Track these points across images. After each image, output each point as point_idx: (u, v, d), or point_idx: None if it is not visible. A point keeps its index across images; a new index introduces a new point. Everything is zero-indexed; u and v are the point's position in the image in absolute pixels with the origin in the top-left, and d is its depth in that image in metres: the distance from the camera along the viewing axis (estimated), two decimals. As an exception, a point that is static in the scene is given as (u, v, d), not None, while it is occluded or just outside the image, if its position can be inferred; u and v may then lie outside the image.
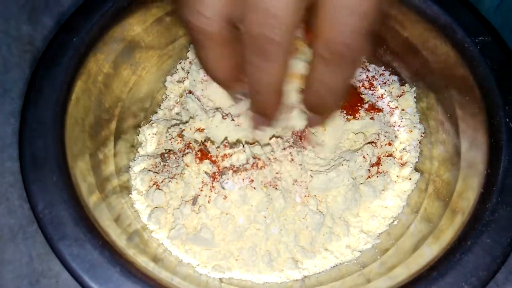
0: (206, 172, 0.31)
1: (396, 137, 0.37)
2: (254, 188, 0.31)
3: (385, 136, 0.37)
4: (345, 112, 0.37)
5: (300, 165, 0.33)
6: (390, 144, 0.36)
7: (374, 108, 0.38)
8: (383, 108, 0.39)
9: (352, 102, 0.38)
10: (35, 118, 0.29)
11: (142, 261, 0.27)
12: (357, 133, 0.36)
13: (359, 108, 0.37)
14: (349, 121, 0.36)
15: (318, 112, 0.29)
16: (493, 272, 0.26)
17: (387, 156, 0.36)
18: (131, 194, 0.33)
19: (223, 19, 0.24)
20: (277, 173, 0.32)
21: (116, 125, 0.35)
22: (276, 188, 0.31)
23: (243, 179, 0.31)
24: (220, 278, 0.30)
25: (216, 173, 0.32)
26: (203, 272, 0.31)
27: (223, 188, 0.31)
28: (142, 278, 0.25)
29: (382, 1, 0.23)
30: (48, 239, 0.25)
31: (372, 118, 0.37)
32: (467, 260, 0.26)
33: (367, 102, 0.38)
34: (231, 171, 0.31)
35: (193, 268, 0.31)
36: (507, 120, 0.31)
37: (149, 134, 0.36)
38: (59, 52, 0.32)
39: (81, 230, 0.26)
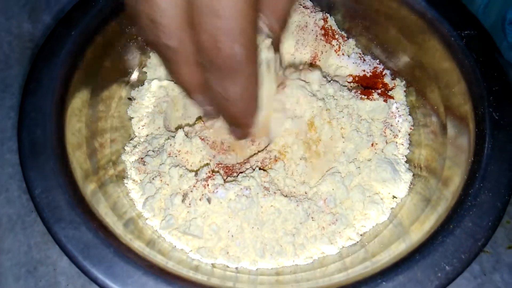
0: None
1: (399, 131, 0.38)
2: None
3: (391, 130, 0.37)
4: (359, 92, 0.38)
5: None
6: (395, 136, 0.37)
7: (386, 94, 0.39)
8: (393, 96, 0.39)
9: (371, 83, 0.40)
10: (34, 108, 0.30)
11: (138, 246, 0.28)
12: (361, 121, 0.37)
13: (373, 91, 0.38)
14: (362, 100, 0.37)
15: (231, 123, 0.28)
16: (475, 254, 0.26)
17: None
18: (126, 183, 0.34)
19: (182, 32, 0.24)
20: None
21: (113, 115, 0.36)
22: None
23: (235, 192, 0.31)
24: (212, 264, 0.31)
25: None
26: (196, 258, 0.31)
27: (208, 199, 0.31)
28: (135, 259, 0.26)
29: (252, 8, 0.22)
30: (44, 222, 0.26)
31: (385, 101, 0.37)
32: (449, 243, 0.27)
33: (380, 89, 0.39)
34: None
35: (186, 254, 0.32)
36: (491, 110, 0.32)
37: (139, 128, 0.37)
38: (57, 44, 0.33)
39: (76, 213, 0.27)
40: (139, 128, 0.37)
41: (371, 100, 0.37)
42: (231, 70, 0.24)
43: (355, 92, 0.37)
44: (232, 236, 0.31)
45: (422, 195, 0.33)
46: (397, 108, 0.38)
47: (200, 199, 0.31)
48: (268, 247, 0.31)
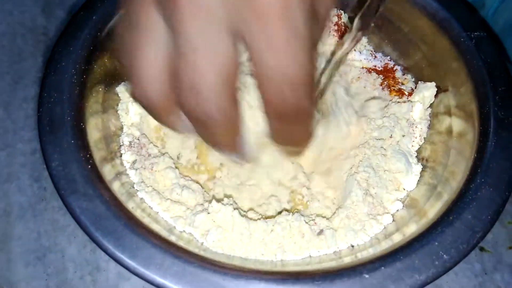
0: None
1: (416, 126, 0.38)
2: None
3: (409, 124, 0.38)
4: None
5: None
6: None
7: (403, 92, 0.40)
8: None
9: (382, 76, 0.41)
10: (54, 86, 0.32)
11: (148, 221, 0.29)
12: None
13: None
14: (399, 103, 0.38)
15: (286, 153, 0.29)
16: (473, 245, 0.27)
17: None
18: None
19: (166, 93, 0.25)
20: None
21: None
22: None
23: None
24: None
25: None
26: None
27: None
28: (144, 232, 0.27)
29: (306, 64, 0.23)
30: (60, 194, 0.28)
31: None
32: (448, 233, 0.28)
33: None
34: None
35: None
36: (496, 109, 0.32)
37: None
38: (78, 27, 0.34)
39: (90, 186, 0.28)
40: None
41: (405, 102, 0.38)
42: (298, 118, 0.24)
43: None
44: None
45: (427, 187, 0.34)
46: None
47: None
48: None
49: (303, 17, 0.22)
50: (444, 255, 0.27)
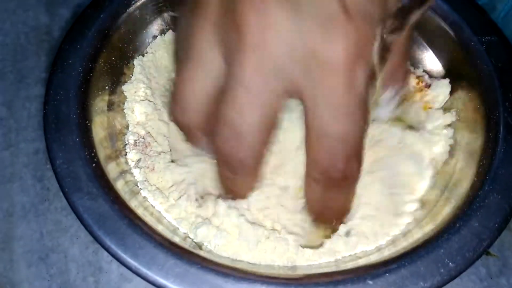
0: None
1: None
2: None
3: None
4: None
5: None
6: None
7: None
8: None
9: None
10: (60, 84, 0.32)
11: (150, 220, 0.29)
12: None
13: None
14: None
15: (322, 224, 0.29)
16: (479, 253, 0.27)
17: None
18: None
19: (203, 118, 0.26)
20: None
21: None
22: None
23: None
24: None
25: None
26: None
27: None
28: (146, 232, 0.27)
29: (362, 124, 0.23)
30: (64, 192, 0.27)
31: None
32: (454, 241, 0.27)
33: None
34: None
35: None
36: (506, 115, 0.32)
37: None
38: (85, 26, 0.34)
39: (94, 185, 0.28)
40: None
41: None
42: (346, 184, 0.25)
43: None
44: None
45: (436, 192, 0.33)
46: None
47: None
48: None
49: (365, 78, 0.22)
50: (450, 263, 0.26)
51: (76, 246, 0.35)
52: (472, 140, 0.33)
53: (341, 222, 0.30)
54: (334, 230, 0.31)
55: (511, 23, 0.41)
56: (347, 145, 0.23)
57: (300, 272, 0.28)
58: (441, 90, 0.37)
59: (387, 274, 0.26)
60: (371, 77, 0.23)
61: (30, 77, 0.43)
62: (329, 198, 0.26)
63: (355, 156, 0.24)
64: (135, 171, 0.33)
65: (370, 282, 0.25)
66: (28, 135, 0.40)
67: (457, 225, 0.28)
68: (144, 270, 0.26)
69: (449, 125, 0.36)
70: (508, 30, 0.41)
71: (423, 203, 0.34)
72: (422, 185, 0.35)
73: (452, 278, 0.26)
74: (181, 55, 0.26)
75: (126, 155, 0.34)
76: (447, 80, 0.37)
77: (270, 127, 0.24)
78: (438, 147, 0.35)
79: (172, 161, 0.34)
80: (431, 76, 0.39)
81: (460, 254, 0.27)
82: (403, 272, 0.26)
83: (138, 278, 0.33)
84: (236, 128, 0.23)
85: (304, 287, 0.25)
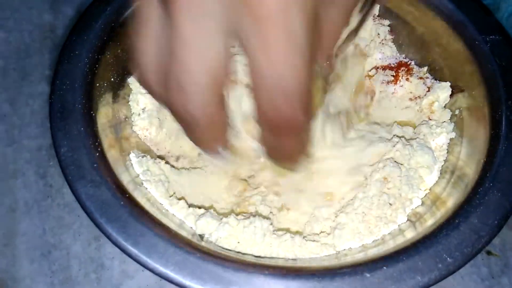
0: None
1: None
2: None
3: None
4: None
5: None
6: None
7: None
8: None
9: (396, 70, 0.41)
10: (67, 75, 0.32)
11: (152, 210, 0.29)
12: None
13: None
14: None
15: (281, 165, 0.28)
16: (478, 249, 0.27)
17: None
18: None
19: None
20: None
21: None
22: None
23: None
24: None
25: None
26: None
27: None
28: (148, 221, 0.27)
29: (302, 71, 0.22)
30: (67, 180, 0.28)
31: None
32: (453, 236, 0.27)
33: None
34: None
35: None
36: (508, 113, 0.32)
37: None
38: (93, 18, 0.35)
39: (97, 173, 0.28)
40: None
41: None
42: (291, 131, 0.24)
43: None
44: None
45: (438, 188, 0.34)
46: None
47: None
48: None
49: (302, 24, 0.21)
50: (448, 258, 0.26)
51: (79, 242, 0.36)
52: (474, 138, 0.33)
53: (296, 164, 0.28)
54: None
55: None
56: (286, 93, 0.22)
57: (301, 265, 0.29)
58: (441, 93, 0.37)
59: (384, 268, 0.26)
60: (314, 23, 0.22)
61: (34, 75, 0.43)
62: (279, 143, 0.25)
63: (298, 103, 0.22)
64: (137, 161, 0.33)
65: (368, 274, 0.26)
66: (31, 131, 0.40)
67: (457, 221, 0.28)
68: (144, 258, 0.26)
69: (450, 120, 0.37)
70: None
71: (426, 199, 0.34)
72: (432, 178, 0.35)
73: (450, 273, 0.26)
74: (133, 28, 0.25)
75: (129, 145, 0.34)
76: (447, 84, 0.37)
77: (218, 75, 0.23)
78: (441, 138, 0.36)
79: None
80: (435, 78, 0.39)
81: (459, 250, 0.27)
82: (400, 266, 0.26)
83: (140, 275, 0.34)
84: (184, 85, 0.22)
85: (301, 277, 0.26)
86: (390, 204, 0.32)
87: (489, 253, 0.36)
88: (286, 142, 0.25)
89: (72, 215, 0.37)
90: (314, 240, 0.32)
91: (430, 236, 0.27)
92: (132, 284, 0.34)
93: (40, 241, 0.36)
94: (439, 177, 0.34)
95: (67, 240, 0.36)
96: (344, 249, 0.31)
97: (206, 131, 0.24)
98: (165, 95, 0.24)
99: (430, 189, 0.34)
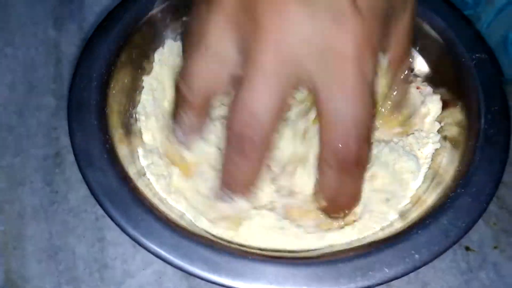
0: None
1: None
2: None
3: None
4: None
5: None
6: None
7: None
8: None
9: None
10: (85, 74, 0.36)
11: (148, 195, 0.32)
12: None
13: None
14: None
15: (332, 214, 0.32)
16: (445, 247, 0.29)
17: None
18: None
19: (204, 98, 0.29)
20: None
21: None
22: None
23: None
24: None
25: None
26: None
27: None
28: (148, 207, 0.30)
29: (371, 110, 0.26)
30: (79, 166, 0.31)
31: None
32: (422, 235, 0.30)
33: None
34: None
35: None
36: (486, 127, 0.34)
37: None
38: (112, 23, 0.38)
39: (106, 162, 0.31)
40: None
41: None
42: (359, 167, 0.27)
43: None
44: None
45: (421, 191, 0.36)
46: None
47: None
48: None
49: (373, 66, 0.25)
50: (416, 254, 0.29)
51: (83, 244, 0.38)
52: (454, 148, 0.36)
53: (348, 213, 0.32)
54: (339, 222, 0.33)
55: (494, 33, 0.44)
56: (358, 128, 0.25)
57: (281, 254, 0.31)
58: (432, 105, 0.39)
59: (355, 260, 0.29)
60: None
61: (40, 87, 0.45)
62: (342, 183, 0.28)
63: (366, 139, 0.26)
64: (143, 155, 0.36)
65: (340, 264, 0.28)
66: (38, 141, 0.42)
67: (427, 221, 0.30)
68: (142, 239, 0.29)
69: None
70: (491, 39, 0.44)
71: (410, 201, 0.36)
72: (414, 184, 0.37)
73: (416, 268, 0.29)
74: (193, 40, 0.29)
75: (138, 141, 0.38)
76: (438, 96, 0.40)
77: (281, 111, 0.26)
78: (427, 148, 0.38)
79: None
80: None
81: (426, 247, 0.29)
82: (371, 258, 0.29)
83: (140, 274, 0.36)
84: (251, 108, 0.26)
85: (279, 264, 0.28)
86: (388, 199, 0.35)
87: (468, 249, 0.38)
88: (349, 182, 0.28)
89: (77, 219, 0.39)
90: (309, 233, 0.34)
91: (401, 233, 0.30)
92: (133, 282, 0.36)
93: (47, 244, 0.38)
94: (422, 182, 0.37)
95: (72, 243, 0.38)
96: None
97: (254, 160, 0.27)
98: (228, 115, 0.27)
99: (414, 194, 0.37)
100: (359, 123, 0.25)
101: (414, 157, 0.37)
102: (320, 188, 0.30)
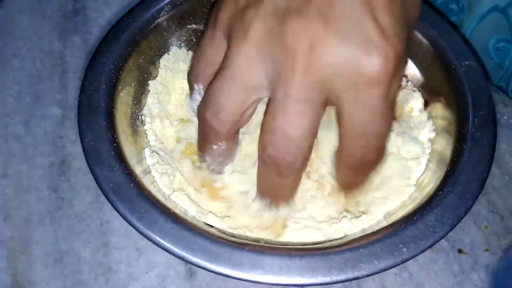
0: None
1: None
2: None
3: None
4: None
5: None
6: None
7: None
8: None
9: None
10: (94, 78, 0.38)
11: (158, 196, 0.34)
12: None
13: None
14: None
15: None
16: (431, 242, 0.31)
17: None
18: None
19: (233, 125, 0.30)
20: None
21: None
22: None
23: None
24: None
25: None
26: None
27: None
28: (152, 201, 0.32)
29: (391, 123, 0.28)
30: (88, 163, 0.33)
31: None
32: (410, 230, 0.31)
33: None
34: None
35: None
36: (473, 130, 0.36)
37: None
38: (119, 31, 0.41)
39: (113, 159, 0.33)
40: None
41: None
42: (373, 167, 0.30)
43: None
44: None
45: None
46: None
47: None
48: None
49: (397, 88, 0.27)
50: (404, 248, 0.31)
51: (88, 249, 0.39)
52: (444, 150, 0.38)
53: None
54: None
55: (477, 38, 0.46)
56: (379, 140, 0.28)
57: (278, 245, 0.33)
58: (414, 102, 0.41)
59: (347, 251, 0.30)
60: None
61: (45, 98, 0.47)
62: (359, 178, 0.31)
63: (384, 149, 0.29)
64: (149, 154, 0.38)
65: (333, 256, 0.30)
66: (44, 150, 0.44)
67: (415, 218, 0.32)
68: (146, 230, 0.31)
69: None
70: (474, 45, 0.46)
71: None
72: (417, 172, 0.39)
73: (404, 261, 0.30)
74: (211, 70, 0.31)
75: (144, 142, 0.40)
76: (419, 93, 0.42)
77: (315, 132, 0.28)
78: (424, 133, 0.40)
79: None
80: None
81: (413, 242, 0.31)
82: (361, 251, 0.31)
83: (144, 277, 0.38)
84: (287, 133, 0.27)
85: (276, 255, 0.30)
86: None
87: (460, 251, 0.39)
88: (365, 175, 0.31)
89: (82, 224, 0.40)
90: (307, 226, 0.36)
91: (389, 228, 0.32)
92: (137, 285, 0.37)
93: (53, 248, 0.39)
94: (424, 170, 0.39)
95: (77, 247, 0.39)
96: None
97: (293, 179, 0.29)
98: (261, 141, 0.28)
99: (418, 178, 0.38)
100: (380, 136, 0.28)
101: (419, 142, 0.39)
102: (339, 183, 0.32)
